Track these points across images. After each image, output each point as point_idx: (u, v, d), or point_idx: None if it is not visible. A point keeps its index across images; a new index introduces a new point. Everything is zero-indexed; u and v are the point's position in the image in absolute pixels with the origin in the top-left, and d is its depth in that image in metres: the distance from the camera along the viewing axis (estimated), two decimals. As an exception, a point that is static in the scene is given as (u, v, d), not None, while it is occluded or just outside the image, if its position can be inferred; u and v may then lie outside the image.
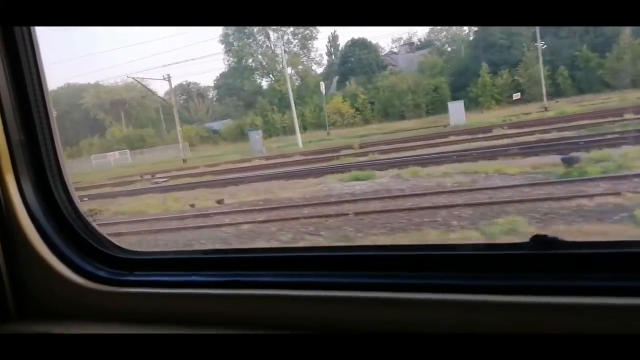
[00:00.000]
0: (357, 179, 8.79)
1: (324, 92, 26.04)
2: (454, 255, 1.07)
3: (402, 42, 35.01)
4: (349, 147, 15.43)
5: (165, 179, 14.38)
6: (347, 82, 30.31)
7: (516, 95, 21.36)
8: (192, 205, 9.48)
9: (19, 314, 1.37)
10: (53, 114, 1.43)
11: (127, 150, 32.62)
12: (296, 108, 33.48)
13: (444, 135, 14.40)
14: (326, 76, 36.30)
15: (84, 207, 1.49)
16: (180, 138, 23.66)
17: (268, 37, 34.99)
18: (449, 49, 30.22)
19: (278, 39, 34.71)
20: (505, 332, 0.89)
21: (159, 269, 1.34)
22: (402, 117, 25.97)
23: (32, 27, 1.36)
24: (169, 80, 27.58)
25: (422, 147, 12.80)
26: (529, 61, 21.77)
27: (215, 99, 47.82)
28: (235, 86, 47.17)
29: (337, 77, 28.24)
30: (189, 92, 47.73)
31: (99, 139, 39.63)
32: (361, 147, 14.96)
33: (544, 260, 0.96)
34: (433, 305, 0.98)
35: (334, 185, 8.98)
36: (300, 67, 34.04)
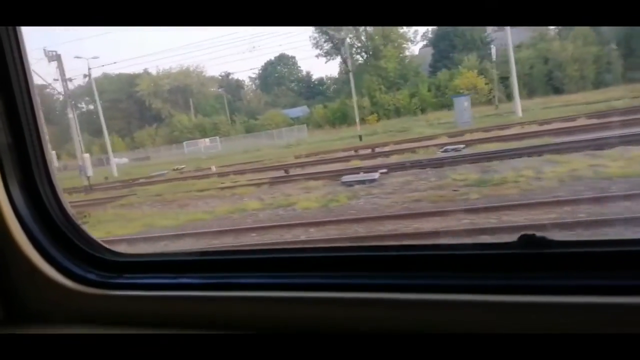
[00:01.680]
0: None
1: (495, 56, 22.95)
2: (442, 255, 1.08)
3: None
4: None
5: (463, 146, 12.62)
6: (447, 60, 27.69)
7: None
8: None
9: (7, 317, 1.36)
10: (41, 115, 1.41)
11: (217, 137, 29.36)
12: (398, 89, 30.66)
13: None
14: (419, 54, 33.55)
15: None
16: (357, 116, 20.46)
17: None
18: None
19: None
20: (492, 332, 0.90)
21: (148, 271, 1.35)
22: (557, 90, 23.18)
23: (18, 27, 1.35)
24: (344, 45, 24.26)
25: None
26: None
27: (257, 89, 45.06)
28: (283, 75, 44.34)
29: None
30: (228, 83, 44.70)
31: (162, 128, 36.14)
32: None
33: (532, 260, 0.96)
34: (420, 306, 0.98)
35: None
36: (402, 42, 30.92)
